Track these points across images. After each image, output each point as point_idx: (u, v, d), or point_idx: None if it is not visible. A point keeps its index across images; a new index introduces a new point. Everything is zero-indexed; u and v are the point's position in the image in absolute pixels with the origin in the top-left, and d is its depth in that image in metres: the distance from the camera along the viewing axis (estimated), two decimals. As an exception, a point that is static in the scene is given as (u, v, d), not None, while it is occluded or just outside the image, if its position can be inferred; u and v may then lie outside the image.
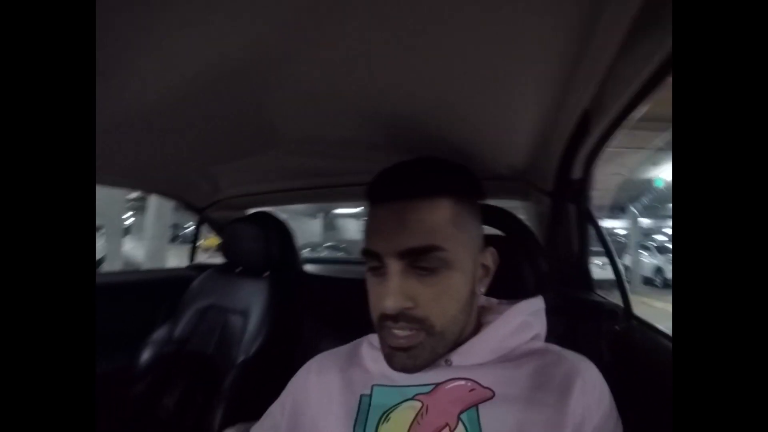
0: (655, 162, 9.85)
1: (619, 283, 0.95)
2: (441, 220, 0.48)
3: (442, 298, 0.48)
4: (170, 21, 0.39)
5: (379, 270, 0.49)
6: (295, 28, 0.40)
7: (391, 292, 0.47)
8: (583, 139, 0.63)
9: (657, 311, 7.75)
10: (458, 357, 0.52)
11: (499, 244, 0.59)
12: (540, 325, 0.58)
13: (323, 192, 1.19)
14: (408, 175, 0.52)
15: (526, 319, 0.56)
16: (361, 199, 1.09)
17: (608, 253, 0.99)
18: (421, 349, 0.48)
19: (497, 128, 0.60)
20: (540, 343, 0.56)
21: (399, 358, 0.49)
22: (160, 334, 1.26)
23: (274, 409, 0.60)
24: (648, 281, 11.71)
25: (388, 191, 0.51)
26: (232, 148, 0.85)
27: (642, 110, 0.53)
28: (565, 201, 0.88)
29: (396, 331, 0.48)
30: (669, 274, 11.06)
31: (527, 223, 0.92)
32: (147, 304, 1.48)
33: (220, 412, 0.96)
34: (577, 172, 0.77)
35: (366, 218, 0.53)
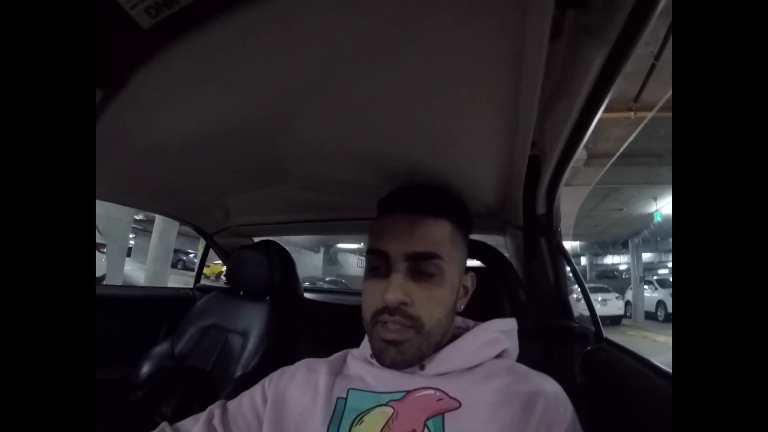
0: (654, 196, 9.87)
1: (589, 308, 1.01)
2: (442, 236, 0.58)
3: (433, 302, 0.55)
4: (199, 76, 0.47)
5: (381, 270, 0.57)
6: (305, 84, 0.48)
7: (395, 286, 0.53)
8: (537, 180, 0.72)
9: (659, 345, 7.59)
10: (430, 364, 0.56)
11: (481, 275, 0.68)
12: (510, 343, 0.62)
13: (326, 225, 1.27)
14: (418, 194, 0.63)
15: (496, 336, 0.60)
16: (360, 233, 1.16)
17: (578, 283, 1.06)
18: (409, 345, 0.54)
19: (470, 173, 0.69)
20: (508, 363, 0.60)
21: (390, 352, 0.54)
22: (162, 348, 1.33)
23: (256, 395, 0.61)
24: (650, 315, 11.51)
25: (401, 203, 0.60)
26: (244, 182, 0.93)
27: (579, 151, 0.63)
28: (535, 235, 0.96)
29: (390, 326, 0.54)
30: (671, 309, 10.88)
31: (507, 257, 0.99)
32: (152, 319, 1.55)
33: None
34: (540, 209, 0.85)
35: (374, 226, 0.61)
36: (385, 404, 0.53)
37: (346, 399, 0.56)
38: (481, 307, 0.66)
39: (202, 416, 0.59)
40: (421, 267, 0.56)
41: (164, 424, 0.58)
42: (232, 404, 0.61)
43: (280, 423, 0.56)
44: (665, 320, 10.91)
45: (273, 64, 0.45)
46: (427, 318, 0.55)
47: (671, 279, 12.41)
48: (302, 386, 0.59)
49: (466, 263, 0.64)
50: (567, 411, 0.53)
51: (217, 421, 0.58)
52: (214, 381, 1.21)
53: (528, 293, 0.91)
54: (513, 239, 1.09)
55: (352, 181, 0.80)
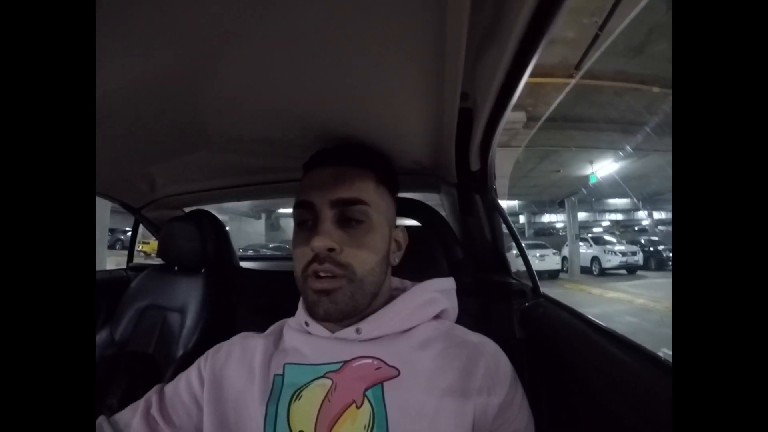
0: (590, 159, 10.46)
1: (526, 265, 1.04)
2: (367, 184, 0.57)
3: (363, 249, 0.54)
4: (104, 34, 0.41)
5: (308, 222, 0.56)
6: (219, 37, 0.44)
7: (321, 233, 0.52)
8: (470, 134, 0.71)
9: (594, 297, 8.22)
10: (367, 326, 0.55)
11: (417, 234, 0.67)
12: (448, 303, 0.62)
13: (259, 189, 1.22)
14: (341, 149, 0.62)
15: (434, 295, 0.60)
16: (292, 195, 1.13)
17: (514, 239, 1.09)
18: (342, 294, 0.52)
19: (398, 129, 0.67)
20: (446, 324, 0.60)
21: (322, 303, 0.52)
22: (101, 336, 1.26)
23: (192, 377, 0.59)
24: (585, 270, 12.36)
25: (325, 158, 0.60)
26: (165, 149, 0.86)
27: (518, 113, 0.62)
28: (470, 192, 0.97)
29: (320, 276, 0.53)
30: (604, 264, 11.69)
31: (443, 214, 1.01)
32: None
33: None
34: (474, 165, 0.84)
35: (300, 184, 0.60)
36: (323, 376, 0.52)
37: (283, 375, 0.54)
38: (418, 265, 0.65)
39: (140, 406, 0.57)
40: (347, 213, 0.55)
41: (101, 419, 0.56)
42: (169, 389, 0.59)
43: (219, 405, 0.54)
44: (599, 274, 11.79)
45: (183, 15, 0.40)
46: (359, 265, 0.54)
47: (605, 237, 13.38)
48: (238, 365, 0.57)
49: (395, 218, 0.63)
50: (507, 372, 0.54)
51: (155, 410, 0.56)
52: (157, 364, 1.17)
53: (465, 250, 0.92)
54: (448, 196, 1.09)
55: (277, 140, 0.75)
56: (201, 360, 0.61)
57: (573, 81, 5.26)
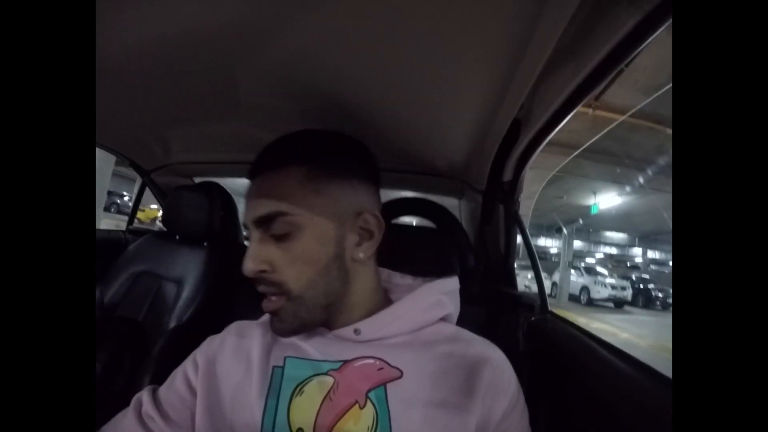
0: (594, 190, 10.51)
1: (537, 280, 1.03)
2: (289, 187, 0.50)
3: (297, 262, 0.50)
4: None
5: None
6: (277, 5, 0.41)
7: (249, 256, 0.50)
8: (513, 144, 0.69)
9: (579, 326, 8.32)
10: (366, 327, 0.52)
11: (431, 236, 0.64)
12: (452, 306, 0.59)
13: None
14: (267, 150, 0.55)
15: (439, 298, 0.57)
16: None
17: (530, 254, 1.08)
18: (284, 313, 0.50)
19: (435, 126, 0.64)
20: (451, 328, 0.58)
21: (272, 321, 0.52)
22: None
23: (189, 372, 0.56)
24: (573, 298, 12.44)
25: (252, 168, 0.54)
26: (190, 113, 0.83)
27: (564, 122, 0.60)
28: (495, 201, 0.95)
29: (265, 297, 0.51)
30: (593, 294, 11.75)
31: (461, 220, 0.98)
32: None
33: (147, 378, 0.94)
34: (507, 175, 0.83)
35: None
36: (325, 373, 0.50)
37: (283, 367, 0.52)
38: (430, 267, 0.63)
39: (129, 409, 0.54)
40: (272, 230, 0.50)
41: None
42: (164, 387, 0.57)
43: (214, 397, 0.52)
44: (587, 304, 11.87)
45: None
46: (293, 282, 0.50)
47: (597, 268, 13.45)
48: (234, 355, 0.55)
49: (364, 202, 0.54)
50: (511, 380, 0.53)
51: (150, 409, 0.53)
52: (145, 333, 1.13)
53: (477, 258, 0.90)
54: (470, 203, 1.07)
55: (310, 122, 0.72)
56: (196, 352, 0.58)
57: (591, 110, 5.28)
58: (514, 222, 1.00)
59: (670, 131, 6.07)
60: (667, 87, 4.71)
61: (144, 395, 0.55)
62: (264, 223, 0.50)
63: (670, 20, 0.36)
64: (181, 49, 0.53)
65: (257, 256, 0.50)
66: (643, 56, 4.22)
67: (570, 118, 0.56)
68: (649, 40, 0.39)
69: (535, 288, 0.99)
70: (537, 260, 1.05)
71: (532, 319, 0.95)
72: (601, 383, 0.61)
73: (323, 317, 0.53)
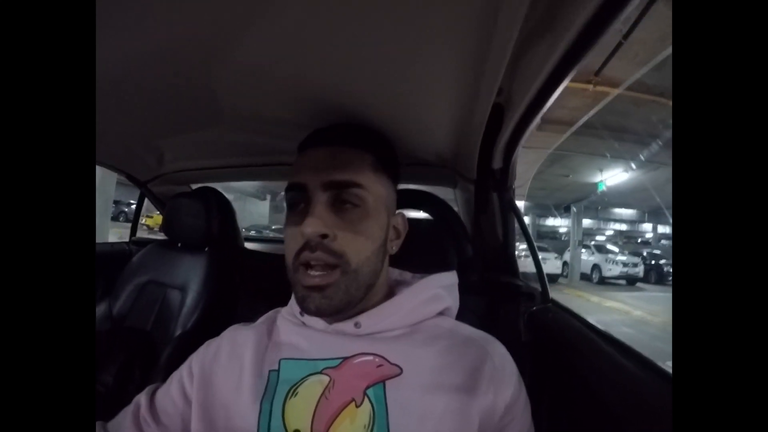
0: (600, 167, 10.41)
1: (537, 269, 1.03)
2: (363, 166, 0.53)
3: (359, 236, 0.50)
4: None
5: (300, 206, 0.52)
6: (241, 8, 0.41)
7: (313, 217, 0.48)
8: (498, 131, 0.68)
9: (592, 304, 8.23)
10: (367, 320, 0.53)
11: (427, 228, 0.64)
12: (451, 299, 0.60)
13: (268, 170, 1.19)
14: (338, 128, 0.58)
15: (437, 292, 0.58)
16: None
17: (528, 242, 1.06)
18: (336, 288, 0.49)
19: (418, 119, 0.64)
20: (450, 322, 0.58)
21: (313, 299, 0.49)
22: (99, 309, 1.24)
23: (184, 379, 0.57)
24: (585, 277, 12.37)
25: (319, 138, 0.56)
26: (176, 123, 0.83)
27: (547, 106, 0.59)
28: (487, 190, 0.94)
29: (311, 271, 0.49)
30: (605, 272, 11.70)
31: (456, 210, 0.98)
32: None
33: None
34: (497, 163, 0.82)
35: (293, 165, 0.56)
36: (320, 372, 0.50)
37: (278, 371, 0.51)
38: (427, 259, 0.63)
39: (129, 410, 0.56)
40: (342, 196, 0.51)
41: (99, 425, 0.54)
42: (161, 390, 0.57)
43: (208, 403, 0.52)
44: (599, 282, 11.80)
45: None
46: (353, 254, 0.50)
47: (607, 246, 13.36)
48: (228, 361, 0.55)
49: (394, 205, 0.59)
50: (513, 372, 0.53)
51: (145, 411, 0.54)
52: (154, 341, 1.15)
53: (475, 248, 0.90)
54: (464, 192, 1.07)
55: (293, 122, 0.72)
56: (192, 357, 0.58)
57: (591, 87, 5.21)
58: (509, 209, 0.99)
59: (673, 103, 5.99)
60: (667, 56, 4.63)
61: (142, 398, 0.56)
62: (336, 188, 0.50)
63: None
64: (162, 61, 0.54)
65: (322, 219, 0.49)
66: (642, 29, 4.15)
67: (569, 96, 0.55)
68: (621, 14, 0.38)
69: (544, 268, 0.98)
70: (535, 247, 1.04)
71: (533, 309, 0.95)
72: (600, 374, 0.61)
73: (359, 301, 0.52)
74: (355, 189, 0.51)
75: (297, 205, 0.52)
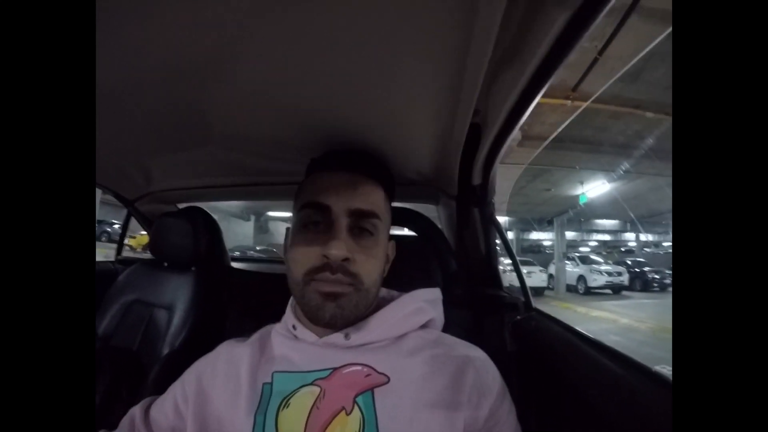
0: (581, 180, 10.59)
1: (519, 279, 1.05)
2: (379, 197, 0.59)
3: (371, 260, 0.55)
4: (110, 18, 0.40)
5: (319, 226, 0.55)
6: (235, 28, 0.43)
7: (339, 241, 0.52)
8: (476, 149, 0.71)
9: (579, 315, 8.26)
10: (356, 332, 0.55)
11: (412, 244, 0.66)
12: (435, 313, 0.62)
13: (255, 190, 1.21)
14: (357, 156, 0.63)
15: (420, 305, 0.60)
16: (289, 199, 1.12)
17: (509, 253, 1.10)
18: (348, 300, 0.52)
19: (405, 138, 0.67)
20: (434, 333, 0.60)
21: (328, 308, 0.52)
22: None
23: (177, 393, 0.58)
24: (571, 288, 12.46)
25: (341, 162, 0.60)
26: (165, 142, 0.85)
27: (520, 124, 0.62)
28: (469, 205, 0.97)
29: (328, 282, 0.52)
30: (590, 282, 11.80)
31: (439, 226, 0.99)
32: None
33: None
34: (476, 179, 0.85)
35: (310, 182, 0.59)
36: (311, 383, 0.52)
37: (271, 383, 0.53)
38: (413, 274, 0.64)
39: (125, 424, 0.58)
40: (361, 224, 0.55)
41: None
42: (156, 404, 0.59)
43: (203, 418, 0.53)
44: (585, 293, 11.93)
45: (194, 10, 0.39)
46: (366, 276, 0.54)
47: (591, 256, 13.52)
48: (224, 376, 0.56)
49: (389, 234, 0.63)
50: (495, 378, 0.55)
51: (139, 422, 0.57)
52: (141, 361, 1.14)
53: (459, 262, 0.92)
54: (446, 208, 1.09)
55: (280, 142, 0.75)
56: (186, 374, 0.60)
57: (569, 102, 5.34)
58: (490, 223, 1.02)
59: (650, 114, 6.14)
60: (640, 68, 4.78)
61: (137, 412, 0.59)
62: (358, 216, 0.55)
63: (602, 14, 0.38)
64: (155, 81, 0.55)
65: (346, 243, 0.53)
66: (617, 44, 4.30)
67: (549, 112, 0.59)
68: (584, 35, 0.41)
69: (530, 281, 1.00)
70: (516, 259, 1.07)
71: (517, 318, 0.97)
72: (585, 377, 0.63)
73: (365, 315, 0.56)
74: (374, 219, 0.56)
75: (315, 224, 0.55)
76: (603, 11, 0.38)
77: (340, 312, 0.52)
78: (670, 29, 4.06)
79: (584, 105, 5.15)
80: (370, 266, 0.55)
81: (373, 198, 0.57)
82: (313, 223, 0.55)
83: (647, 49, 4.27)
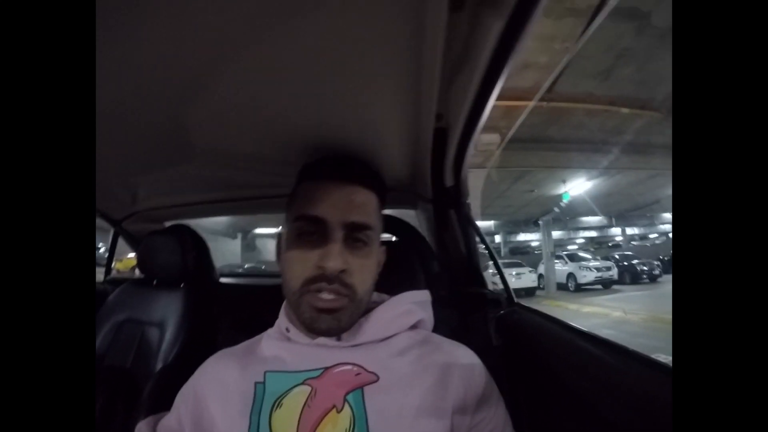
0: (563, 179, 10.71)
1: (499, 274, 1.09)
2: (373, 207, 0.60)
3: (365, 270, 0.57)
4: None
5: (314, 237, 0.55)
6: (209, 48, 0.45)
7: (335, 254, 0.53)
8: (444, 152, 0.75)
9: (571, 312, 8.34)
10: (347, 333, 0.57)
11: (395, 249, 0.69)
12: (424, 314, 0.64)
13: (241, 204, 1.23)
14: (350, 164, 0.63)
15: (409, 307, 0.62)
16: (275, 212, 1.13)
17: (489, 253, 1.14)
18: (344, 312, 0.55)
19: (378, 148, 0.70)
20: (422, 333, 0.63)
21: (324, 319, 0.54)
22: None
23: (179, 404, 0.60)
24: (561, 287, 12.58)
25: (335, 171, 0.60)
26: (149, 160, 0.86)
27: (481, 124, 0.66)
28: (445, 207, 1.01)
29: (323, 295, 0.54)
30: (580, 279, 11.92)
31: (419, 229, 1.02)
32: None
33: (142, 419, 0.96)
34: (449, 181, 0.89)
35: (303, 192, 0.60)
36: (302, 383, 0.53)
37: (264, 383, 0.55)
38: (395, 279, 0.67)
39: None
40: (356, 236, 0.56)
41: None
42: (162, 421, 0.62)
43: (199, 421, 0.56)
44: (576, 290, 12.05)
45: (173, 28, 0.42)
46: (360, 286, 0.56)
47: (579, 254, 13.64)
48: (216, 380, 0.58)
49: (380, 240, 0.65)
50: (482, 374, 0.58)
51: None
52: (135, 378, 1.15)
53: (441, 264, 0.95)
54: (424, 212, 1.12)
55: (261, 155, 0.77)
56: (183, 387, 0.62)
57: (545, 103, 5.44)
58: (467, 223, 1.06)
59: (625, 110, 6.27)
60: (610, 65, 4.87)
61: (143, 429, 0.62)
62: (353, 228, 0.56)
63: (535, 17, 0.42)
64: (132, 99, 0.57)
65: (342, 255, 0.54)
66: (589, 43, 4.41)
67: (528, 114, 0.61)
68: (522, 38, 0.44)
69: (520, 283, 1.03)
70: (495, 257, 1.11)
71: (500, 313, 1.00)
72: (568, 364, 0.65)
73: (358, 321, 0.58)
74: (368, 231, 0.57)
75: (309, 234, 0.56)
76: (534, 14, 0.41)
77: (336, 324, 0.55)
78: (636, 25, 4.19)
79: (531, 104, 5.25)
80: (365, 275, 0.57)
81: (367, 209, 0.59)
82: (306, 234, 0.57)
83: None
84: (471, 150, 0.77)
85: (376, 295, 0.66)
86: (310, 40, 0.43)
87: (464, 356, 0.59)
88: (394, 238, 0.93)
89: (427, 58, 0.45)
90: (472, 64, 0.49)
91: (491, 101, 0.58)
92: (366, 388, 0.52)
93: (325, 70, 0.49)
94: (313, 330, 0.56)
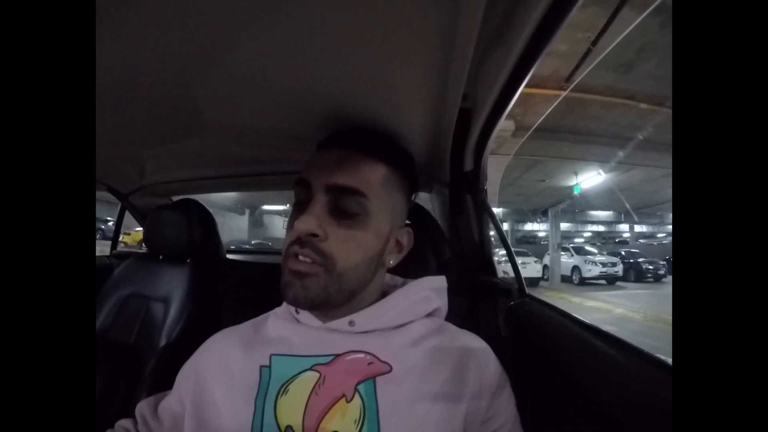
0: (575, 171, 10.64)
1: (512, 265, 1.06)
2: (373, 176, 0.53)
3: (351, 242, 0.51)
4: (101, 11, 0.41)
5: (303, 205, 0.52)
6: (225, 17, 0.42)
7: (307, 215, 0.49)
8: (467, 134, 0.72)
9: (574, 305, 8.31)
10: (360, 319, 0.54)
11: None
12: (441, 301, 0.61)
13: (250, 180, 1.21)
14: (357, 133, 0.59)
15: (426, 294, 0.59)
16: (285, 189, 1.11)
17: (503, 241, 1.10)
18: (315, 280, 0.50)
19: (395, 125, 0.66)
20: (438, 322, 0.59)
21: (293, 287, 0.50)
22: None
23: (180, 384, 0.59)
24: (566, 279, 12.61)
25: (337, 140, 0.57)
26: (159, 133, 0.84)
27: (509, 108, 0.63)
28: (461, 192, 0.98)
29: (299, 257, 0.50)
30: (585, 273, 11.91)
31: (433, 213, 1.00)
32: None
33: (143, 397, 0.96)
34: (468, 165, 0.86)
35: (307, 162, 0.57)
36: (310, 369, 0.51)
37: (270, 367, 0.52)
38: (407, 262, 0.65)
39: (138, 418, 0.62)
40: (342, 202, 0.52)
41: None
42: (163, 402, 0.61)
43: (202, 406, 0.53)
44: (579, 284, 12.06)
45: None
46: (342, 258, 0.51)
47: (586, 247, 13.62)
48: (219, 363, 0.56)
49: (404, 217, 0.60)
50: (497, 368, 0.56)
51: (150, 418, 0.60)
52: (138, 354, 1.15)
53: (453, 249, 0.93)
54: (439, 195, 1.10)
55: (275, 130, 0.74)
56: (185, 366, 0.60)
57: (563, 92, 5.36)
58: (483, 210, 1.03)
59: (644, 105, 6.18)
60: (632, 58, 4.78)
61: (146, 410, 0.60)
62: (337, 192, 0.51)
63: (574, 7, 0.39)
64: (143, 71, 0.55)
65: (317, 219, 0.50)
66: (610, 35, 4.31)
67: (543, 102, 0.59)
68: (564, 21, 0.42)
69: (525, 272, 1.01)
70: (510, 246, 1.08)
71: (511, 303, 0.98)
72: (577, 358, 0.64)
73: (341, 303, 0.53)
74: (358, 197, 0.51)
75: (301, 202, 0.54)
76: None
77: (303, 292, 0.50)
78: (662, 19, 4.08)
79: (563, 94, 5.17)
80: (349, 249, 0.51)
81: (361, 174, 0.53)
82: (300, 201, 0.54)
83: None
84: (494, 134, 0.73)
85: (389, 278, 0.64)
86: (331, 7, 0.40)
87: (481, 351, 0.56)
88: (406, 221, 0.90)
89: (462, 34, 0.42)
90: (509, 44, 0.46)
91: (522, 85, 0.55)
92: (378, 379, 0.50)
93: (350, 41, 0.45)
94: (284, 298, 0.51)
